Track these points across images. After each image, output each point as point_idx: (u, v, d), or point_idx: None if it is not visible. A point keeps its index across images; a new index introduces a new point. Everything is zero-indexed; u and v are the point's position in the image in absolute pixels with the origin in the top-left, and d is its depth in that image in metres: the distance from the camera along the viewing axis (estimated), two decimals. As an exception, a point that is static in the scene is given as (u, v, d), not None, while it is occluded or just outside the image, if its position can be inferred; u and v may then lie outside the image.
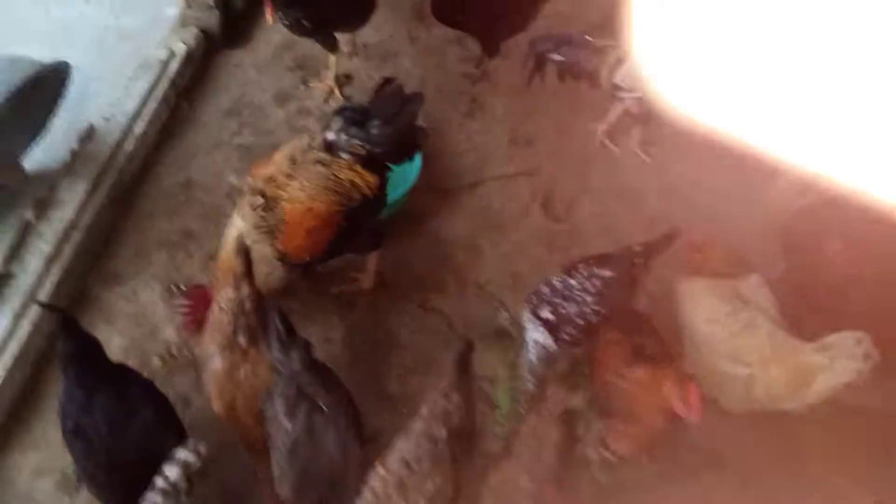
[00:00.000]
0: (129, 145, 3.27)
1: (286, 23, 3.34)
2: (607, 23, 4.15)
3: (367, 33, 3.97)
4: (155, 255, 3.07)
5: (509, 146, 3.63)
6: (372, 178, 2.62)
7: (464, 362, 2.18)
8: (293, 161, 2.55)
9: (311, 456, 2.08)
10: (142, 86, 3.46)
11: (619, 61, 3.29)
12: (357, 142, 2.53)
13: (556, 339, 2.49)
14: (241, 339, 2.25)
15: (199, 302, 2.66)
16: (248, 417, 2.25)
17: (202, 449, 2.03)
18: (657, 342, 2.36)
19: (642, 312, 2.56)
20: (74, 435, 2.15)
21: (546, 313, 2.52)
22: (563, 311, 2.51)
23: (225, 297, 2.30)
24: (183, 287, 2.92)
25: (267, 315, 2.29)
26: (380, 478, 2.02)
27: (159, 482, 1.96)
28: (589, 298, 2.51)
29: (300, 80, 3.81)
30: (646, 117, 3.44)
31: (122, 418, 2.13)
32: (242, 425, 2.26)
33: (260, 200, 2.53)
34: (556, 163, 3.56)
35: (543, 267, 2.96)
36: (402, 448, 2.05)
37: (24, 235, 2.87)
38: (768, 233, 3.23)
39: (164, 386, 2.67)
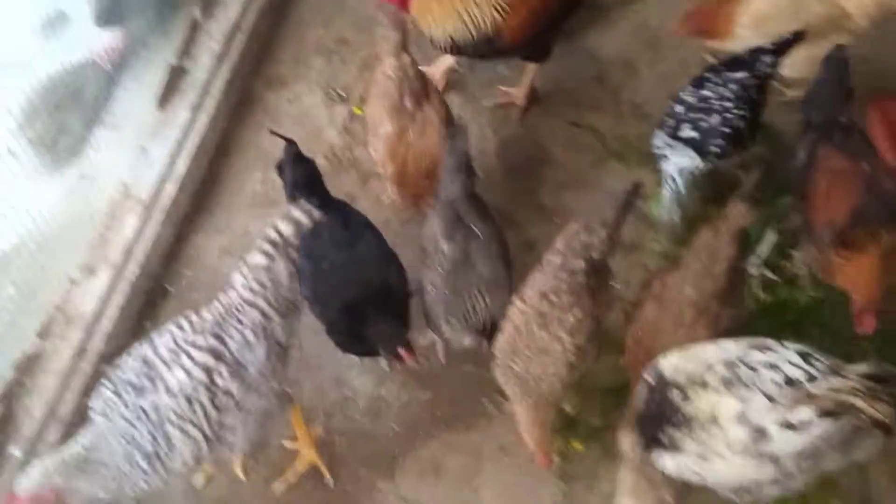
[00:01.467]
0: (282, -49, 3.24)
1: None
2: None
3: None
4: (313, 61, 3.13)
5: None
6: None
7: (628, 205, 2.12)
8: None
9: (466, 278, 2.17)
10: None
11: None
12: None
13: (704, 154, 2.43)
14: (408, 103, 2.35)
15: None
16: (419, 175, 2.38)
17: (315, 213, 2.14)
18: (888, 171, 2.17)
19: (866, 130, 2.35)
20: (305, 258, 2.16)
21: (687, 132, 2.45)
22: (706, 125, 2.43)
23: (389, 66, 2.37)
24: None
25: (427, 79, 2.41)
26: (520, 311, 2.04)
27: (271, 232, 2.09)
28: (729, 104, 2.43)
29: None
30: None
31: (348, 243, 2.17)
32: (413, 183, 2.39)
33: None
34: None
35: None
36: (540, 281, 2.06)
37: (193, 32, 2.96)
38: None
39: (330, 184, 2.80)
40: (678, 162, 2.48)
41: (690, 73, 2.97)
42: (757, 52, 2.52)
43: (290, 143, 2.30)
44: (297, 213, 2.13)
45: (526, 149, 2.94)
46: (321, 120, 2.98)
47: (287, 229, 2.10)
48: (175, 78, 2.84)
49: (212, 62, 2.90)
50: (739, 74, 2.48)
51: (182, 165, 2.70)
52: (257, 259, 2.07)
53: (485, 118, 2.98)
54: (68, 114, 2.71)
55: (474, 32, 2.49)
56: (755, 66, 2.49)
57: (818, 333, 2.42)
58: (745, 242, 2.18)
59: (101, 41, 2.86)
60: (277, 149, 2.91)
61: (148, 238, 2.56)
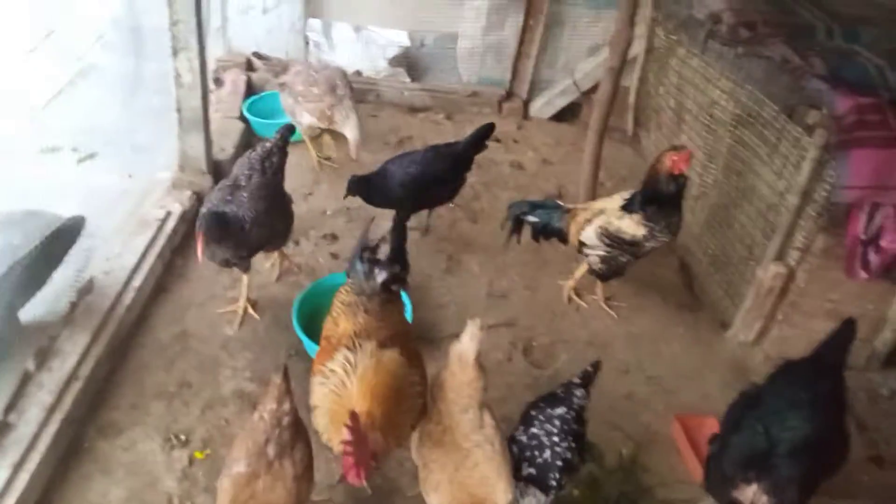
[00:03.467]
0: (127, 298, 3.36)
1: (215, 260, 3.33)
2: (562, 191, 4.75)
3: (350, 199, 4.34)
4: (153, 406, 3.07)
5: (486, 299, 3.93)
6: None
7: None
8: (368, 311, 2.69)
9: None
10: (140, 242, 3.62)
11: (587, 221, 3.70)
12: (397, 270, 2.78)
13: (546, 489, 2.60)
14: (271, 451, 2.30)
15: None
16: None
17: None
18: None
19: None
20: None
21: (526, 469, 2.65)
22: (541, 461, 2.65)
23: (267, 410, 2.37)
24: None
25: (298, 434, 2.40)
26: None
27: None
28: (556, 439, 2.69)
29: (290, 239, 4.05)
30: (606, 275, 3.82)
31: None
32: None
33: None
34: (531, 315, 3.87)
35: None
36: None
37: (24, 385, 2.85)
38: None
39: (167, 539, 2.64)
40: (526, 502, 2.61)
41: (518, 397, 3.30)
42: (569, 386, 2.88)
43: None
44: None
45: (373, 481, 2.96)
46: (158, 467, 2.84)
47: None
48: (-4, 435, 2.66)
49: (41, 415, 2.76)
50: (559, 410, 2.77)
51: (-9, 536, 2.42)
52: None
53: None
54: None
55: None
56: (571, 401, 2.82)
57: None
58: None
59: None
60: (105, 501, 2.73)
61: None
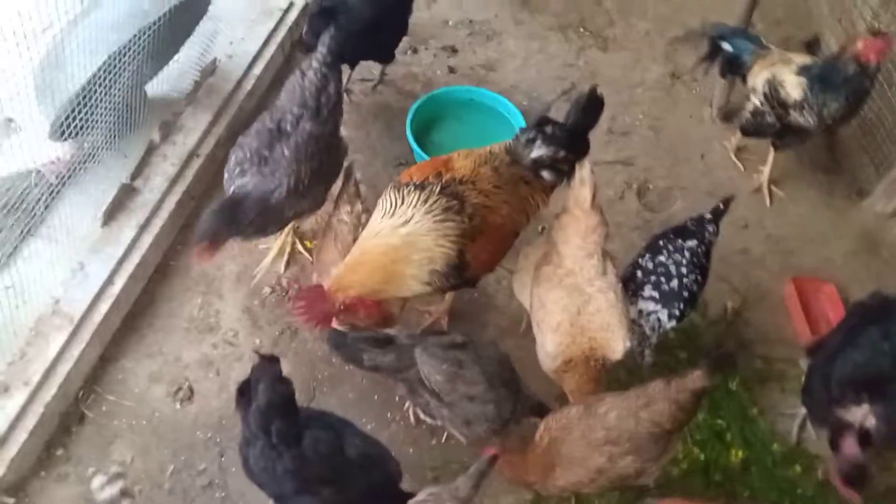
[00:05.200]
0: (248, 84, 3.36)
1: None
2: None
3: (474, 10, 4.10)
4: (267, 192, 3.15)
5: (606, 134, 3.71)
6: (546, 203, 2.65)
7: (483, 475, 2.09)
8: (497, 171, 2.48)
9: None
10: (262, 30, 3.56)
11: (771, 65, 3.26)
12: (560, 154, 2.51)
13: (669, 316, 2.58)
14: None
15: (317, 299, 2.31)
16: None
17: None
18: None
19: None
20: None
21: (650, 291, 2.61)
22: (667, 287, 2.60)
23: (344, 213, 2.48)
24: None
25: None
26: None
27: None
28: (684, 270, 2.63)
29: (409, 47, 3.90)
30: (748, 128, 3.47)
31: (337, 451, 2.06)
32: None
33: (454, 203, 2.37)
34: (651, 156, 3.65)
35: (637, 251, 3.02)
36: None
37: (149, 155, 2.96)
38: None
39: (273, 314, 2.80)
40: (643, 307, 2.59)
41: (623, 236, 3.26)
42: (701, 220, 2.76)
43: (273, 360, 2.08)
44: None
45: (470, 292, 2.99)
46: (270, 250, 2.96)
47: None
48: (124, 196, 2.81)
49: (164, 184, 2.89)
50: (690, 243, 2.70)
51: (119, 284, 2.61)
52: None
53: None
54: (2, 221, 2.59)
55: (445, 269, 2.37)
56: (703, 235, 2.72)
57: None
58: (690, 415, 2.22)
59: (48, 151, 2.81)
60: (220, 274, 2.89)
61: (72, 358, 2.41)
